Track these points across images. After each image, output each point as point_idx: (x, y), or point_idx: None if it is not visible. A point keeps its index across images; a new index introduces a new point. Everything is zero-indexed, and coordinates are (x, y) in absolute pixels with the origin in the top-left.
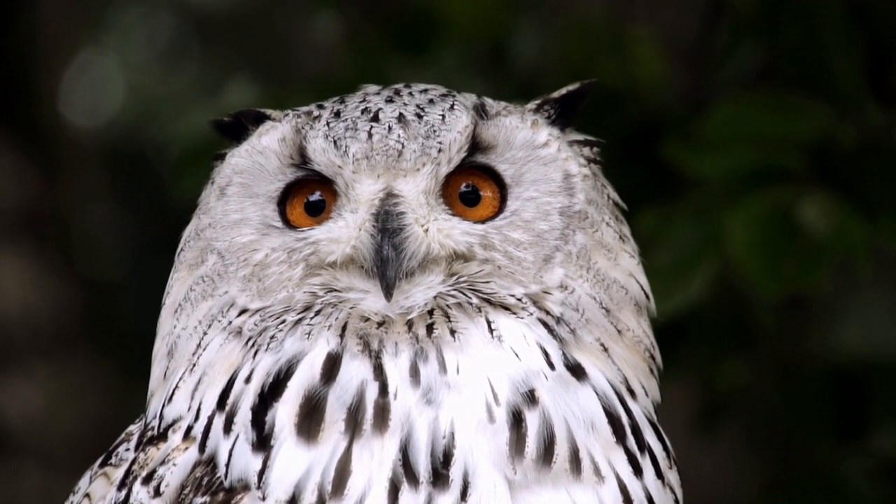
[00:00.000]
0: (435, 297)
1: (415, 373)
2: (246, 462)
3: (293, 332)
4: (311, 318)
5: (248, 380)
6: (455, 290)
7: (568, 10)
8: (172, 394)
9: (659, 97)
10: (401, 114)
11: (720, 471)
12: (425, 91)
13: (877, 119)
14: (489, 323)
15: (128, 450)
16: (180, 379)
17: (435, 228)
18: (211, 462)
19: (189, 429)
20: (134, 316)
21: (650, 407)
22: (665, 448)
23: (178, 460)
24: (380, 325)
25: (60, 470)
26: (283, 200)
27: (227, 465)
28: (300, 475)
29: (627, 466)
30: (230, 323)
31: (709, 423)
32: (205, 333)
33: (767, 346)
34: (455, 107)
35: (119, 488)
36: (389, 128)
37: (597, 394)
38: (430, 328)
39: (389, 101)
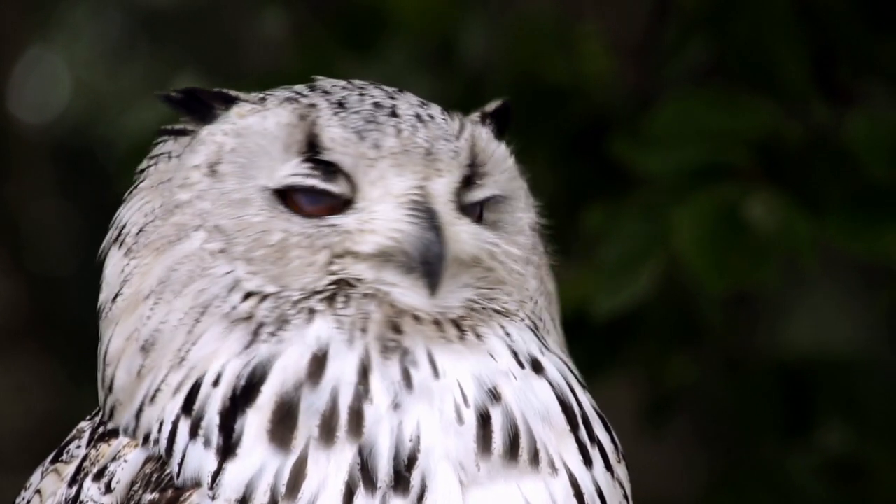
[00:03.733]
0: (465, 300)
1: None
2: (200, 462)
3: (312, 321)
4: (337, 308)
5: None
6: (477, 294)
7: (515, 6)
8: (155, 394)
9: (606, 94)
10: (417, 112)
11: (667, 467)
12: (405, 94)
13: (823, 116)
14: (502, 328)
15: (79, 446)
16: (165, 376)
17: (463, 231)
18: (161, 458)
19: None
20: (80, 312)
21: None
22: (613, 441)
23: (129, 456)
24: (413, 320)
25: (9, 466)
26: (284, 188)
27: (181, 465)
28: (252, 475)
29: (578, 457)
30: (233, 308)
31: (656, 420)
32: (197, 321)
33: (714, 343)
34: (446, 112)
35: (70, 485)
36: (413, 125)
37: (551, 384)
38: (460, 329)
39: (392, 97)
